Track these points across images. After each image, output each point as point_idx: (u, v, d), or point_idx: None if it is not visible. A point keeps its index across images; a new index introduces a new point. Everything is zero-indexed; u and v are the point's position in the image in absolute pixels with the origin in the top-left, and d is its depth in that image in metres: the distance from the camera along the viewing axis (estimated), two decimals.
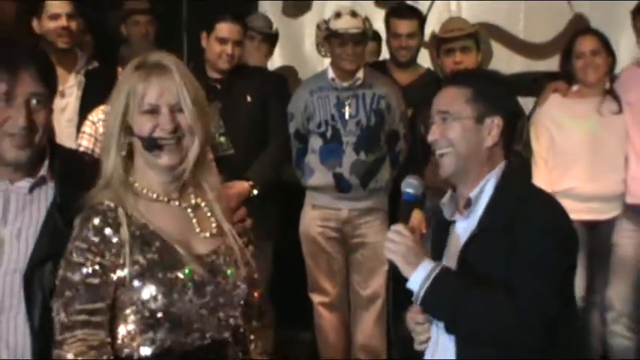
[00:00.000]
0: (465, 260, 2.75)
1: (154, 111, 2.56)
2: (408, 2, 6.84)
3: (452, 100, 2.85)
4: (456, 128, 2.81)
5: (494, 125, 2.81)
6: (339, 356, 5.60)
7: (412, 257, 2.72)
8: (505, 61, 6.91)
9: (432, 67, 5.74)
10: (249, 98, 5.24)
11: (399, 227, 2.78)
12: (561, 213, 2.76)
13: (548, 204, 2.79)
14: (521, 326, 2.59)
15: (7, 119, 2.61)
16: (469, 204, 2.80)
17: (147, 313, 2.49)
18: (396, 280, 2.84)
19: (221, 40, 5.15)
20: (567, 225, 2.76)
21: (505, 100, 2.90)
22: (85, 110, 4.92)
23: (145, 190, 2.59)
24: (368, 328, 5.49)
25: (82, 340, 2.44)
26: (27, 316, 2.63)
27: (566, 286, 2.74)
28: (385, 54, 6.17)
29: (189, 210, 2.65)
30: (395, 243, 2.76)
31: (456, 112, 2.81)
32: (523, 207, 2.70)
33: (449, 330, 2.74)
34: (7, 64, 2.60)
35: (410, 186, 2.90)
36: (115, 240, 2.50)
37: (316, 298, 5.55)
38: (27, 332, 2.63)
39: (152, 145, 2.56)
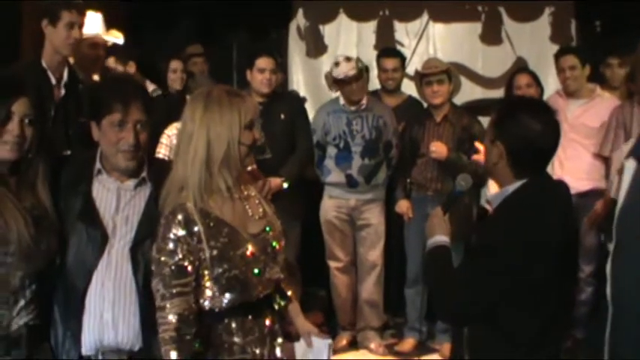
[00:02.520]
0: None
1: (252, 126, 2.61)
2: (397, 46, 6.96)
3: (490, 122, 2.69)
4: (485, 141, 2.66)
5: (498, 149, 2.53)
6: (348, 307, 5.60)
7: (436, 230, 2.66)
8: (468, 91, 6.96)
9: (415, 94, 5.76)
10: (282, 116, 5.22)
11: (437, 210, 2.73)
12: (520, 243, 2.40)
13: (513, 230, 2.43)
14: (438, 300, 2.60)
15: (121, 139, 2.67)
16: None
17: (223, 282, 2.55)
18: None
19: (260, 70, 5.14)
20: (519, 259, 2.39)
21: (511, 132, 2.52)
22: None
23: (218, 188, 2.58)
24: (370, 287, 5.47)
25: (178, 306, 2.49)
26: (133, 278, 2.68)
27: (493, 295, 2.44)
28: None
29: (242, 200, 2.67)
30: (431, 218, 2.72)
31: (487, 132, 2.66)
32: (498, 223, 2.51)
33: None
34: (122, 99, 2.67)
35: (459, 185, 2.76)
36: (195, 231, 2.52)
37: (332, 264, 5.54)
38: (134, 290, 2.67)
39: (258, 150, 2.63)
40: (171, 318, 2.49)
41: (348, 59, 5.31)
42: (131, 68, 5.50)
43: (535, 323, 2.48)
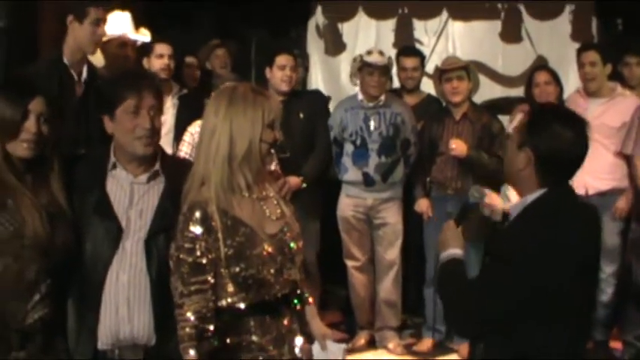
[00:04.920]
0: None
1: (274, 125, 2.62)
2: (417, 44, 6.93)
3: (516, 124, 2.64)
4: (508, 146, 2.62)
5: (526, 154, 2.48)
6: (366, 306, 5.56)
7: (449, 243, 2.62)
8: (488, 89, 6.93)
9: (434, 93, 5.72)
10: (301, 115, 5.21)
11: (450, 223, 2.70)
12: (541, 256, 2.34)
13: (533, 244, 2.37)
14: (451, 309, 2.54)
15: (136, 125, 2.69)
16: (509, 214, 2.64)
17: (240, 280, 2.54)
18: None
19: (281, 67, 5.15)
20: (539, 270, 2.34)
21: (542, 139, 2.47)
22: (179, 124, 4.93)
23: (238, 186, 2.57)
24: (388, 286, 5.44)
25: (196, 303, 2.49)
26: (147, 271, 2.69)
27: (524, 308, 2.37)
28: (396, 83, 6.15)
29: (260, 200, 2.65)
30: (444, 231, 2.68)
31: (511, 134, 2.62)
32: (517, 232, 2.47)
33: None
34: (133, 86, 2.72)
35: (472, 196, 2.75)
36: (212, 228, 2.51)
37: (350, 263, 5.51)
38: (147, 283, 2.68)
39: (278, 148, 2.65)
40: (190, 315, 2.48)
41: (381, 53, 5.38)
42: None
43: (554, 337, 2.41)
